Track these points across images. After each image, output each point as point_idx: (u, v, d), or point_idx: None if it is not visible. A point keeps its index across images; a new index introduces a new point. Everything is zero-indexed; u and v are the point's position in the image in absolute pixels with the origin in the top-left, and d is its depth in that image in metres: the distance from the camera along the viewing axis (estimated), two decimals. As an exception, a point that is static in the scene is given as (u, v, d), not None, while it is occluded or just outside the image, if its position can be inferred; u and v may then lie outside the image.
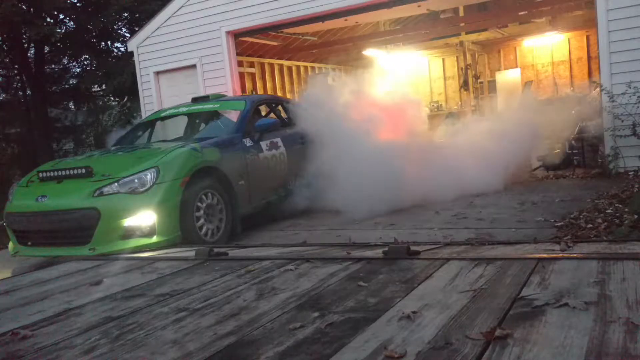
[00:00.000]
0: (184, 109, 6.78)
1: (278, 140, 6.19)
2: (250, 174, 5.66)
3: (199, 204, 5.00)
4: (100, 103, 15.90)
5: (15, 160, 13.16)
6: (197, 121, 6.83)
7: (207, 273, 2.81)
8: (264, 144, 5.96)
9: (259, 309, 2.09)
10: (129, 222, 4.67)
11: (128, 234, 4.67)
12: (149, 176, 4.78)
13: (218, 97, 6.99)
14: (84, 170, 4.94)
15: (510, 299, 1.89)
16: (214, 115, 6.69)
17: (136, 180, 4.77)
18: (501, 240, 3.64)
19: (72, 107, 16.17)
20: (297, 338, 1.73)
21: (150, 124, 6.89)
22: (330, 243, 4.09)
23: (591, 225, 4.26)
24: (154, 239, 4.66)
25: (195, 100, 6.87)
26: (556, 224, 4.51)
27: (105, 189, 4.73)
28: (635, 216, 4.11)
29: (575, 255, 2.46)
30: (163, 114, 6.95)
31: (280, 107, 7.07)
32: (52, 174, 5.11)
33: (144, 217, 4.69)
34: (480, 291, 2.01)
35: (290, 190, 6.18)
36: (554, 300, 1.81)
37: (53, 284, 2.97)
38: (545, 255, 2.47)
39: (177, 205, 4.80)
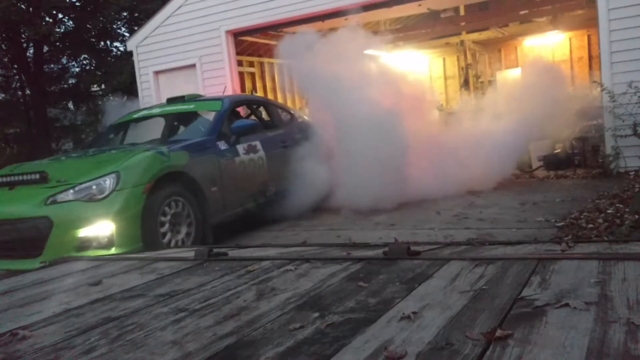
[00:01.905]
0: (157, 110, 6.42)
1: (257, 143, 5.85)
2: (225, 179, 5.30)
3: (164, 212, 4.65)
4: (100, 103, 15.90)
5: (14, 160, 13.12)
6: (171, 123, 6.30)
7: (207, 273, 2.81)
8: (240, 148, 5.62)
9: (258, 309, 2.08)
10: (84, 232, 4.28)
11: (84, 245, 4.28)
12: (108, 182, 4.41)
13: (194, 98, 6.60)
14: (37, 176, 4.55)
15: (510, 299, 1.88)
16: (189, 116, 6.27)
17: (94, 187, 4.39)
18: (502, 240, 3.64)
19: (72, 106, 16.17)
20: (297, 338, 1.72)
21: (122, 126, 6.46)
22: (330, 243, 4.09)
23: (592, 226, 4.26)
24: (112, 250, 4.28)
25: (170, 100, 6.51)
26: (557, 224, 4.52)
27: (59, 196, 4.36)
28: (636, 216, 4.10)
29: (576, 255, 2.45)
30: (136, 116, 6.54)
31: (262, 109, 6.79)
32: (5, 179, 4.73)
33: (101, 227, 4.31)
34: (480, 291, 2.01)
35: (269, 197, 5.87)
36: (555, 300, 1.81)
37: (52, 284, 2.96)
38: (546, 256, 2.47)
39: (138, 214, 4.41)
